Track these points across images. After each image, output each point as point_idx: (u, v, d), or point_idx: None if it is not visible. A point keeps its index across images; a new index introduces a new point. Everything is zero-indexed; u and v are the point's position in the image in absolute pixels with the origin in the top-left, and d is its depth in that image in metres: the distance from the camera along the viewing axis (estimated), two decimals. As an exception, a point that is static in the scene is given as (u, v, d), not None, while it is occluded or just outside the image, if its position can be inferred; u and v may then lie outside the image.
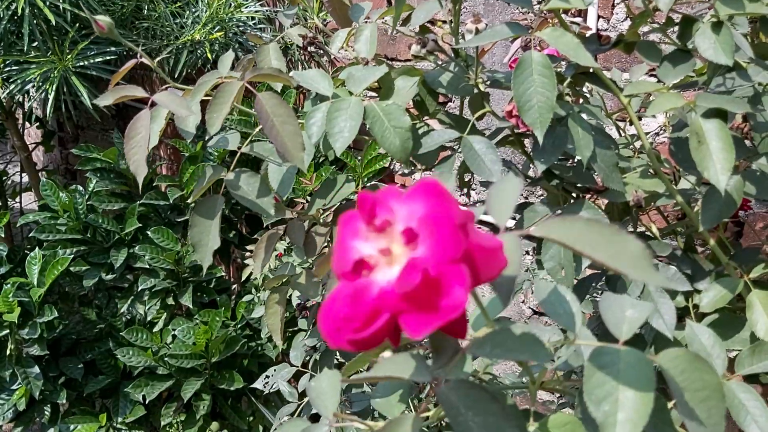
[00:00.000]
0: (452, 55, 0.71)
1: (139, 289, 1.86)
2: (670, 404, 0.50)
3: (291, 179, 0.70)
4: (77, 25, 1.80)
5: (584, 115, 0.70)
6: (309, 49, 0.79)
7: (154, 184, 1.94)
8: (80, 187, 1.90)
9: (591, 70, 0.70)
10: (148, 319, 1.90)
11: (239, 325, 1.85)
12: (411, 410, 0.60)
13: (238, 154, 0.69)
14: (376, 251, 0.34)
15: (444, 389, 0.37)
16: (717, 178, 0.62)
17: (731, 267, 0.74)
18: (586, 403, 0.38)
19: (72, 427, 1.82)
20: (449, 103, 1.65)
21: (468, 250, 0.32)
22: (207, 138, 0.65)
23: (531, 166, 0.78)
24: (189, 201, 1.79)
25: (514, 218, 0.82)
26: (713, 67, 0.70)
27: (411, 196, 0.34)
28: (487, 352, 0.39)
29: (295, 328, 1.79)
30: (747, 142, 0.76)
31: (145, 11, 1.96)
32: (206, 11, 1.96)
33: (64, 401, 1.81)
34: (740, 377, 0.59)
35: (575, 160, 0.78)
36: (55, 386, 1.80)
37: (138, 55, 0.64)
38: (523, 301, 1.69)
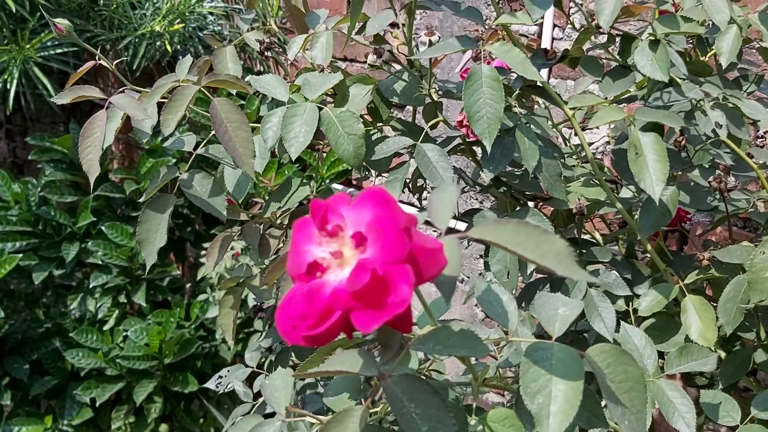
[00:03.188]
0: (407, 65, 0.74)
1: (91, 285, 1.83)
2: (603, 402, 0.53)
3: (246, 182, 0.71)
4: (37, 14, 1.77)
5: (533, 127, 0.73)
6: (266, 53, 0.80)
7: (109, 177, 1.91)
8: (33, 180, 1.86)
9: (538, 83, 0.73)
10: (99, 317, 1.87)
11: (193, 326, 1.84)
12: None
13: (194, 156, 0.70)
14: (329, 254, 0.37)
15: (389, 383, 0.40)
16: (653, 189, 0.66)
17: (668, 273, 0.78)
18: (522, 397, 0.40)
19: (16, 428, 1.77)
20: (403, 109, 1.67)
21: (412, 251, 0.35)
22: (162, 139, 0.66)
23: (481, 173, 0.81)
24: (141, 200, 1.78)
25: (464, 221, 0.85)
26: (652, 83, 0.74)
27: (359, 203, 0.37)
28: (430, 348, 0.42)
29: (251, 329, 1.79)
30: (683, 154, 0.81)
31: (102, 1, 1.93)
32: (167, 3, 1.94)
33: (9, 402, 1.76)
34: (671, 376, 0.63)
35: (523, 169, 0.81)
36: (-1, 386, 1.76)
37: (96, 57, 0.64)
38: (476, 305, 1.72)
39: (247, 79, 0.68)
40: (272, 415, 0.56)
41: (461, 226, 0.87)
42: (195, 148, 0.72)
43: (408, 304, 0.34)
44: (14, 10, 1.63)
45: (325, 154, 1.78)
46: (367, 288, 0.34)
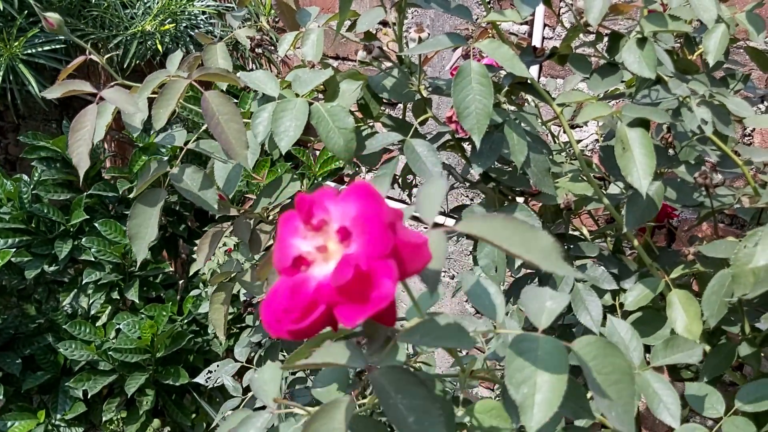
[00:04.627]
0: (396, 61, 0.74)
1: (84, 282, 1.83)
2: (589, 394, 0.54)
3: (237, 177, 0.72)
4: (25, 12, 1.77)
5: (522, 124, 0.74)
6: (257, 50, 0.80)
7: (102, 176, 1.91)
8: (25, 177, 1.86)
9: (527, 80, 0.74)
10: (92, 313, 1.87)
11: (186, 320, 1.84)
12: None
13: (184, 151, 0.70)
14: (314, 248, 0.37)
15: (376, 374, 0.40)
16: (639, 183, 0.67)
17: (654, 268, 0.79)
18: (507, 387, 0.41)
19: (9, 423, 1.78)
20: (397, 105, 1.68)
21: (396, 246, 0.35)
22: (154, 133, 0.66)
23: (470, 169, 0.82)
24: (132, 195, 1.79)
25: (454, 218, 0.86)
26: (640, 80, 0.75)
27: (345, 197, 0.37)
28: (417, 340, 0.42)
29: (243, 325, 1.79)
30: (671, 151, 0.81)
31: (93, 0, 1.93)
32: (158, 2, 1.94)
33: (2, 397, 1.77)
34: (658, 369, 0.63)
35: (512, 165, 0.81)
36: (-9, 382, 1.76)
37: (87, 52, 0.64)
38: (466, 301, 1.73)
39: (237, 74, 0.69)
40: (262, 408, 0.57)
41: (450, 222, 0.88)
42: (186, 144, 0.72)
43: (391, 300, 0.35)
44: (1, 9, 1.63)
45: (318, 152, 1.79)
46: (350, 283, 0.34)
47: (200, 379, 1.06)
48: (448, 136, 0.79)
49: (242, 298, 1.21)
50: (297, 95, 0.68)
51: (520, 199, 0.83)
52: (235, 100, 1.78)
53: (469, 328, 0.43)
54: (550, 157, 0.76)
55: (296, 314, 0.36)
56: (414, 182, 0.86)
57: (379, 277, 0.35)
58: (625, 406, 0.44)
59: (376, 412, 0.56)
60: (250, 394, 0.96)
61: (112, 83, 0.65)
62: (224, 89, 0.81)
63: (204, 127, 0.70)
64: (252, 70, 2.14)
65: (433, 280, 0.40)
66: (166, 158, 1.75)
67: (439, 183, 0.43)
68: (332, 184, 1.54)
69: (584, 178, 0.78)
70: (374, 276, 0.35)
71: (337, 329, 0.38)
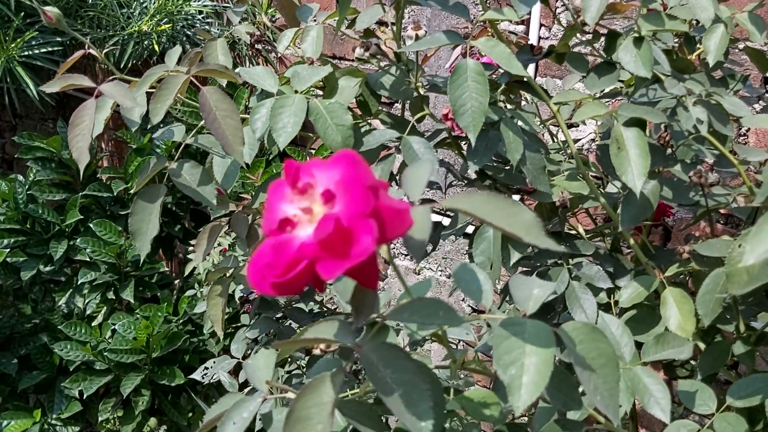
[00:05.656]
0: (394, 59, 0.75)
1: (79, 282, 1.83)
2: (580, 388, 0.54)
3: (235, 172, 0.72)
4: (21, 13, 1.77)
5: (519, 122, 0.74)
6: (256, 46, 0.80)
7: (97, 176, 1.91)
8: (20, 177, 1.86)
9: (524, 78, 0.74)
10: (87, 313, 1.87)
11: (181, 321, 1.84)
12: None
13: (183, 146, 0.70)
14: (299, 210, 0.38)
15: (365, 350, 0.41)
16: (634, 183, 0.67)
17: (649, 266, 0.79)
18: (495, 368, 0.41)
19: (5, 423, 1.77)
20: (395, 104, 1.68)
21: (377, 209, 0.37)
22: (150, 127, 0.66)
23: (468, 167, 0.82)
24: (133, 191, 1.79)
25: (450, 217, 0.86)
26: (638, 79, 0.75)
27: (331, 163, 0.39)
28: (405, 318, 0.43)
29: (239, 324, 1.80)
30: (668, 150, 0.82)
31: (90, 0, 1.93)
32: (154, 2, 1.95)
33: (-3, 396, 1.77)
34: (648, 364, 0.64)
35: (509, 162, 0.82)
36: (-13, 381, 1.76)
37: (86, 47, 0.65)
38: (463, 299, 1.74)
39: (237, 70, 0.69)
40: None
41: (447, 221, 0.88)
42: (184, 140, 0.72)
43: (369, 254, 0.36)
44: None
45: (313, 151, 1.79)
46: (331, 238, 0.36)
47: (196, 376, 1.06)
48: (445, 134, 0.79)
49: (238, 295, 1.21)
50: (296, 91, 0.68)
51: (516, 197, 0.84)
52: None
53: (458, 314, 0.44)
54: (547, 155, 0.76)
55: (280, 270, 0.37)
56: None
57: (359, 234, 0.36)
58: (610, 390, 0.44)
59: (368, 401, 0.57)
60: (246, 390, 0.96)
61: (110, 78, 0.66)
62: (224, 86, 0.82)
63: (201, 123, 0.70)
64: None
65: (418, 249, 0.41)
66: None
67: (426, 165, 0.44)
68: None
69: (581, 176, 0.79)
70: (355, 233, 0.36)
71: (323, 288, 0.39)
